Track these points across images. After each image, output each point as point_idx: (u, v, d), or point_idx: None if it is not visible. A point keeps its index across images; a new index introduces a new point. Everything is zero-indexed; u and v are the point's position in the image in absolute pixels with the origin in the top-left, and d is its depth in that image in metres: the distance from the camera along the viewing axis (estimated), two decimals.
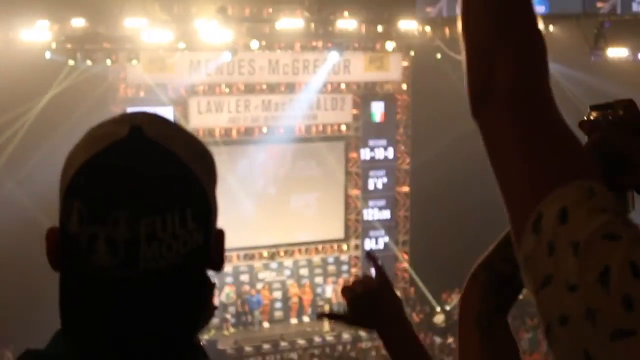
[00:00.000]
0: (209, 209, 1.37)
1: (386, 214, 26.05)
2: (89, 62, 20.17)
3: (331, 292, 24.47)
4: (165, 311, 1.33)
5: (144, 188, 1.30)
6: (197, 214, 1.33)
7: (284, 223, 24.19)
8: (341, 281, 24.09)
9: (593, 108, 1.67)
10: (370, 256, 2.33)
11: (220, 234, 1.41)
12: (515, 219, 1.22)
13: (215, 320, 22.77)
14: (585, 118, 1.66)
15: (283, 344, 22.92)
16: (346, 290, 2.18)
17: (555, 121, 1.25)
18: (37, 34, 19.09)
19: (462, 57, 1.31)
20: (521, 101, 1.25)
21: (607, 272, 1.10)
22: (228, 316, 23.35)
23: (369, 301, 2.14)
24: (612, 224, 1.15)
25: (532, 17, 1.29)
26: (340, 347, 23.34)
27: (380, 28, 22.95)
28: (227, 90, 23.54)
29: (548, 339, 1.18)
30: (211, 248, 1.38)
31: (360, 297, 2.16)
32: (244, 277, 24.10)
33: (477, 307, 2.21)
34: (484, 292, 2.22)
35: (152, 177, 1.31)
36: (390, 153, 26.27)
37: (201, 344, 1.41)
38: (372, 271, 2.28)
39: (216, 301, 20.89)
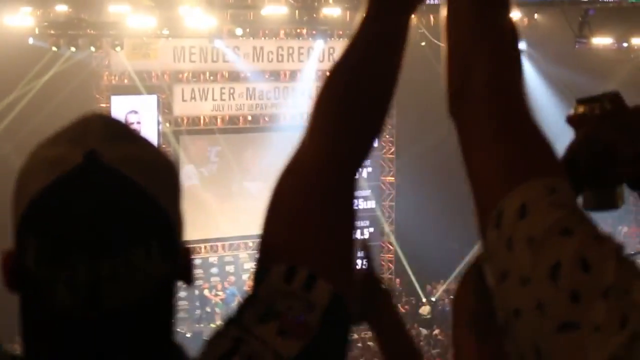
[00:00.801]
0: (175, 235, 1.27)
1: (371, 204, 25.93)
2: (72, 49, 19.97)
3: None
4: (133, 348, 1.23)
5: (104, 226, 1.18)
6: (162, 245, 1.23)
7: None
8: None
9: (580, 102, 1.65)
10: (363, 245, 2.32)
11: (186, 254, 1.30)
12: (481, 214, 1.23)
13: (198, 312, 22.70)
14: (573, 112, 1.64)
15: None
16: None
17: (525, 120, 1.26)
18: (20, 20, 18.90)
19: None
20: (494, 99, 1.27)
21: (558, 266, 1.12)
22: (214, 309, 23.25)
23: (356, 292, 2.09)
24: (568, 219, 1.16)
25: (508, 18, 1.32)
26: None
27: None
28: (212, 78, 23.43)
29: (505, 335, 1.19)
30: (179, 269, 1.28)
31: None
32: (230, 268, 24.02)
33: (470, 309, 2.14)
34: (477, 294, 2.12)
35: (111, 212, 1.19)
36: (375, 142, 26.07)
37: None
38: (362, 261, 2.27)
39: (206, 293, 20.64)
